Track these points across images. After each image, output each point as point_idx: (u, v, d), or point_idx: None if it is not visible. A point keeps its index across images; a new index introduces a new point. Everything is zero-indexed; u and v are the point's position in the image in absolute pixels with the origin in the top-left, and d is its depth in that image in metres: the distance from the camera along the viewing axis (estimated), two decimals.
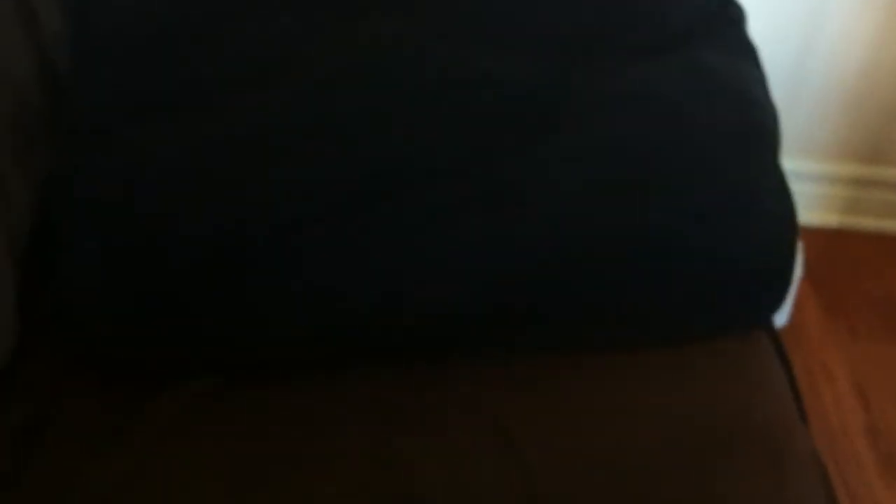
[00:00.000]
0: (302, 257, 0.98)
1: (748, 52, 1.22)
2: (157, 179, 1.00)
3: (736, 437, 0.96)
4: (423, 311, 1.01)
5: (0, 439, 0.94)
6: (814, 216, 2.07)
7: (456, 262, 1.00)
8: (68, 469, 0.92)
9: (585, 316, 1.04)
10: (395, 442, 0.96)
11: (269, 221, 0.99)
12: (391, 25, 1.11)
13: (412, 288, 1.00)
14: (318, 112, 1.04)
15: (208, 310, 0.99)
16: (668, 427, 0.97)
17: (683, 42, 1.15)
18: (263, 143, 1.02)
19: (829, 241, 2.03)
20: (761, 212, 1.06)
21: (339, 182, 1.00)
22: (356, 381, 1.01)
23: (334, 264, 0.99)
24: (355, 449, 0.95)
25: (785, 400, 1.03)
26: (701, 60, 1.13)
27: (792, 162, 2.04)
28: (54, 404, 0.97)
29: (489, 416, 0.98)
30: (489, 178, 1.02)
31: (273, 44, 1.09)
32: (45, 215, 1.05)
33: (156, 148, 1.01)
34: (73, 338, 1.00)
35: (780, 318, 1.78)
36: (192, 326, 0.99)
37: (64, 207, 1.01)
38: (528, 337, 1.05)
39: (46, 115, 1.08)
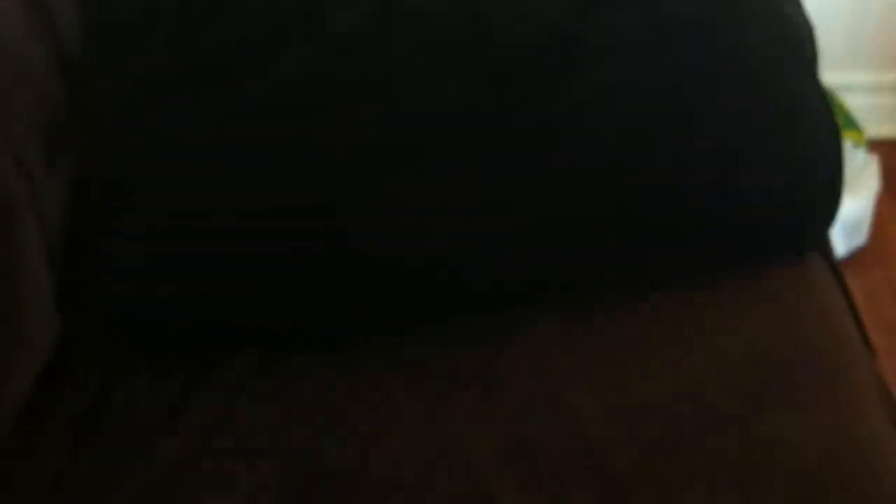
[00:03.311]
0: (342, 221, 0.98)
1: None
2: (189, 157, 1.00)
3: (790, 369, 0.93)
4: (468, 265, 0.99)
5: (55, 431, 0.96)
6: (890, 128, 1.99)
7: (497, 211, 0.98)
8: (123, 456, 0.93)
9: (633, 256, 1.02)
10: (445, 403, 0.95)
11: (307, 189, 0.98)
12: None
13: (457, 244, 0.99)
14: (340, 72, 1.03)
15: (252, 283, 0.99)
16: (719, 365, 0.94)
17: None
18: (291, 109, 1.01)
19: None
20: (805, 130, 1.01)
21: (372, 143, 0.99)
22: (405, 344, 1.01)
23: (377, 227, 0.98)
24: (406, 409, 0.95)
25: (842, 326, 0.99)
26: None
27: (864, 74, 1.97)
28: (106, 393, 0.99)
29: (538, 371, 0.96)
30: (516, 125, 0.99)
31: (284, 5, 1.08)
32: (77, 212, 1.06)
33: (183, 126, 1.01)
34: (118, 325, 1.02)
35: (859, 237, 1.72)
36: (236, 302, 1.00)
37: (98, 197, 1.02)
38: (574, 282, 1.03)
39: (68, 109, 1.08)
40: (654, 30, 1.04)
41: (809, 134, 1.02)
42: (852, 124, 1.75)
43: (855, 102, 1.86)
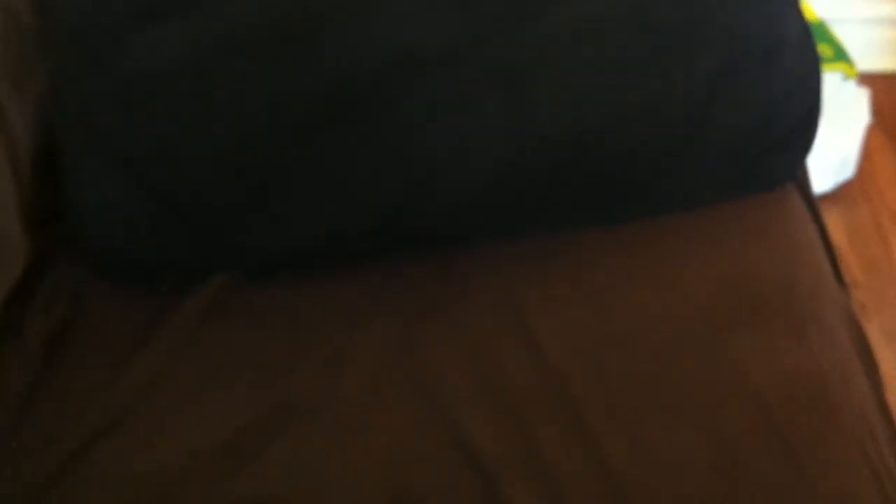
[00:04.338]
0: (316, 152, 0.97)
1: None
2: (159, 84, 0.99)
3: (759, 301, 0.93)
4: (443, 197, 0.99)
5: (24, 350, 0.96)
6: (885, 61, 1.96)
7: (473, 146, 0.97)
8: (93, 376, 0.94)
9: (608, 189, 1.01)
10: (416, 331, 0.95)
11: (277, 118, 0.97)
12: None
13: (430, 175, 0.98)
14: (313, 2, 1.01)
15: (226, 210, 0.99)
16: (689, 294, 0.95)
17: None
18: (264, 37, 1.00)
19: None
20: (784, 61, 1.00)
21: (344, 75, 0.97)
22: (377, 272, 1.01)
23: (350, 158, 0.98)
24: (376, 340, 0.95)
25: (815, 259, 0.99)
26: None
27: (859, 7, 1.94)
28: (75, 315, 0.99)
29: (508, 303, 0.96)
30: (495, 61, 0.98)
31: None
32: (47, 136, 1.05)
33: (154, 54, 0.99)
34: (90, 249, 1.01)
35: (848, 169, 1.71)
36: (210, 229, 1.00)
37: (68, 122, 1.01)
38: (550, 216, 1.03)
39: (38, 36, 1.07)
40: None
41: (788, 65, 1.00)
42: (844, 56, 1.72)
43: (849, 35, 1.83)
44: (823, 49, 1.71)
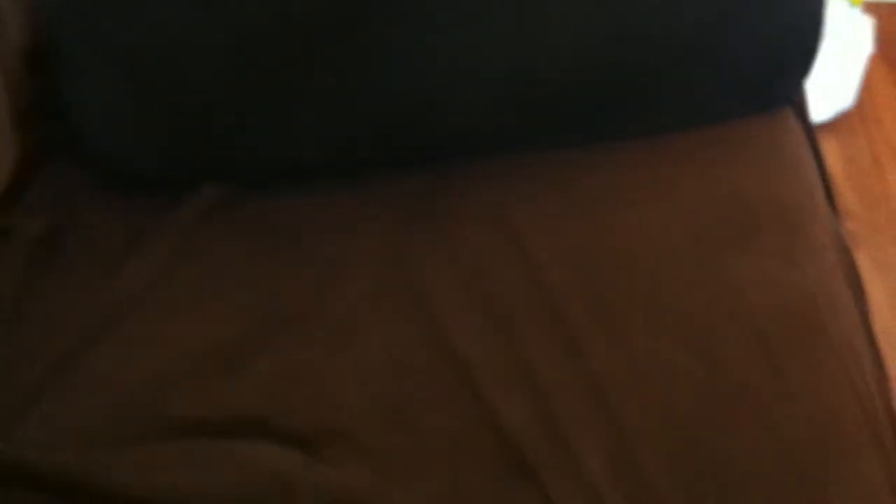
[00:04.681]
0: (321, 58, 0.96)
1: None
2: None
3: (752, 222, 0.94)
4: (451, 108, 0.99)
5: (16, 251, 0.96)
6: None
7: (483, 57, 0.97)
8: (85, 279, 0.94)
9: (613, 105, 1.01)
10: (411, 244, 0.96)
11: (284, 22, 0.96)
12: None
13: (439, 84, 0.98)
14: None
15: (226, 114, 0.98)
16: (683, 214, 0.95)
17: None
18: None
19: None
20: None
21: None
22: (373, 185, 1.01)
23: (356, 65, 0.97)
24: (371, 252, 0.95)
25: (809, 183, 0.99)
26: None
27: None
28: (70, 217, 0.99)
29: (504, 218, 0.97)
30: None
31: None
32: (42, 34, 1.03)
33: None
34: (85, 150, 1.01)
35: (847, 98, 1.70)
36: (208, 133, 0.99)
37: (66, 20, 0.99)
38: (554, 131, 1.02)
39: None
40: None
41: None
42: None
43: None
44: None
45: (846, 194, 1.58)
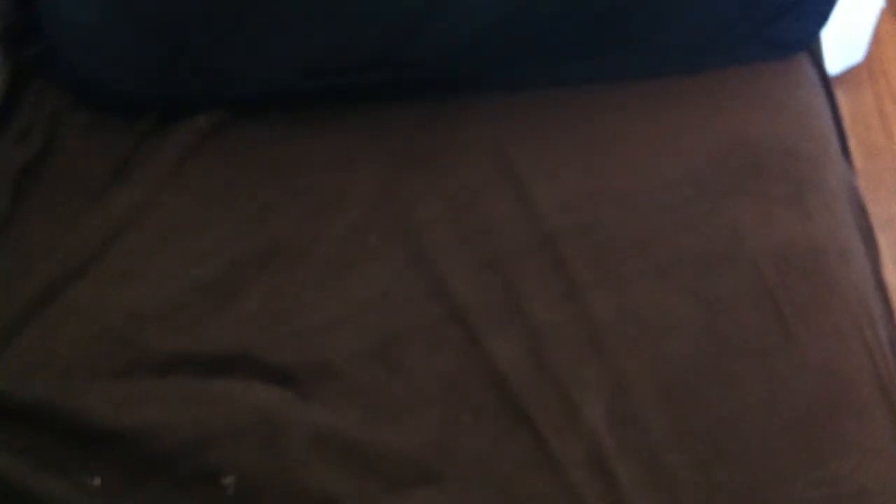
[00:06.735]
0: None
1: None
2: None
3: (760, 167, 0.90)
4: (441, 33, 0.94)
5: (2, 180, 0.92)
6: None
7: None
8: (69, 209, 0.91)
9: (614, 37, 0.97)
10: (403, 180, 0.92)
11: None
12: None
13: (430, 7, 0.93)
14: None
15: (211, 33, 0.94)
16: (687, 157, 0.91)
17: None
18: None
19: None
20: None
21: None
22: (366, 118, 0.97)
23: None
24: (363, 185, 0.92)
25: (821, 132, 0.95)
26: None
27: None
28: (53, 145, 0.95)
29: (500, 156, 0.93)
30: None
31: None
32: None
33: None
34: (69, 72, 0.97)
35: (857, 52, 1.67)
36: (193, 54, 0.95)
37: None
38: (552, 62, 0.98)
39: None
40: None
41: None
42: None
43: None
44: None
45: (852, 149, 1.54)
